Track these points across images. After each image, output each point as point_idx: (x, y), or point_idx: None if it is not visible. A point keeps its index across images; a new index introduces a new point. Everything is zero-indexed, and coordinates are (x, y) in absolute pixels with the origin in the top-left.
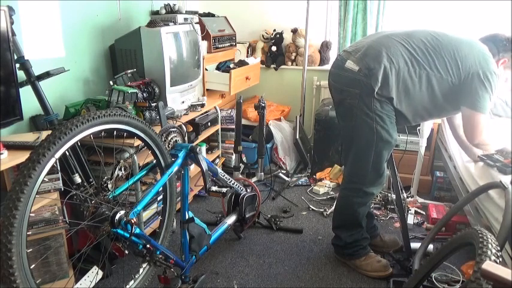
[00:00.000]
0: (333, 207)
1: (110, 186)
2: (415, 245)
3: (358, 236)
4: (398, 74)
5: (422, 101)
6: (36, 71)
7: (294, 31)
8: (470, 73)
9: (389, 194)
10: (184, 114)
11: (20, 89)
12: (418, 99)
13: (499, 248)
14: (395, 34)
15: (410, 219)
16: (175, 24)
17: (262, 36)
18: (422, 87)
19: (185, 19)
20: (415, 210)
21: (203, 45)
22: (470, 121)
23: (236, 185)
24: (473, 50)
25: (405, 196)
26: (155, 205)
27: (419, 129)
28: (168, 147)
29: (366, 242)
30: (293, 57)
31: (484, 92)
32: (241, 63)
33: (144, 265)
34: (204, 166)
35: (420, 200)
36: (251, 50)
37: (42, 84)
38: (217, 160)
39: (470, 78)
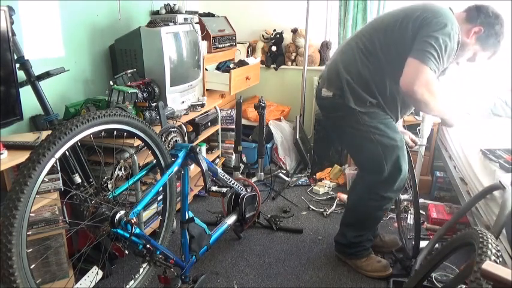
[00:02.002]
0: (333, 207)
1: (110, 186)
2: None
3: (364, 237)
4: (362, 78)
5: (397, 88)
6: (36, 71)
7: (294, 31)
8: (419, 29)
9: None
10: (184, 114)
11: (20, 89)
12: (393, 90)
13: (499, 248)
14: (346, 40)
15: (410, 219)
16: (175, 24)
17: (262, 36)
18: (390, 78)
19: (185, 19)
20: None
21: (203, 45)
22: (410, 68)
23: (236, 185)
24: (425, 8)
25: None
26: (155, 205)
27: (419, 129)
28: (168, 147)
29: (369, 243)
30: (293, 57)
31: (430, 47)
32: (241, 63)
33: (144, 265)
34: (204, 166)
35: (420, 200)
36: (251, 50)
37: (42, 84)
38: (217, 160)
39: (419, 33)
